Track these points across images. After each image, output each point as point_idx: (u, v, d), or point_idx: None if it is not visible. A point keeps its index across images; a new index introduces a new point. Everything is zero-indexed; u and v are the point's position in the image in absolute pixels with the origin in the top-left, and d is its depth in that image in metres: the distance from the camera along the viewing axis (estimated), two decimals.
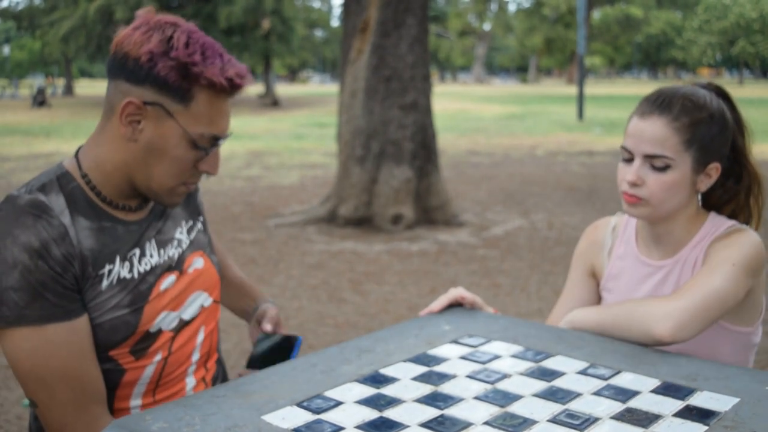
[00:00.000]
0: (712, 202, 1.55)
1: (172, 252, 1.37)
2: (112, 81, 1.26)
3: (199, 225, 1.48)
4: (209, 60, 1.22)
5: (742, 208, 1.55)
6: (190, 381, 1.40)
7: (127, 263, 1.29)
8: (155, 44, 1.20)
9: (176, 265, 1.37)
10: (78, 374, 1.22)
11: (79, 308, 1.24)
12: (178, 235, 1.40)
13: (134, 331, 1.28)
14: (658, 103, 1.45)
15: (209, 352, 1.44)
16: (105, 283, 1.26)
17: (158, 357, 1.33)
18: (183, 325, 1.37)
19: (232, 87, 1.25)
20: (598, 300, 1.67)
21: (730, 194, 1.54)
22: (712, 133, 1.44)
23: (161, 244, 1.36)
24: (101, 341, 1.26)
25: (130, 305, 1.28)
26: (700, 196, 1.51)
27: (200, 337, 1.41)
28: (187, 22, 1.27)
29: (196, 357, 1.40)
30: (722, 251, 1.41)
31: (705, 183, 1.47)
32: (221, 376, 1.53)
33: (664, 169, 1.42)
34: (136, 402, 1.33)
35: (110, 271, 1.27)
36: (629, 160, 1.46)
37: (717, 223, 1.50)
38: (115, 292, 1.27)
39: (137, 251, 1.32)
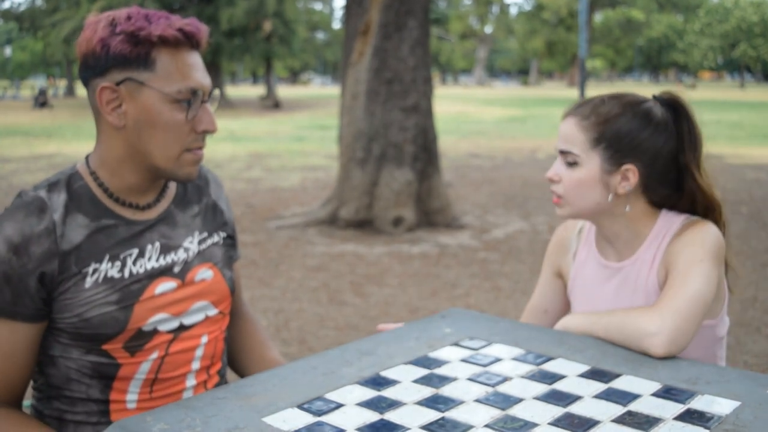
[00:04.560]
0: (670, 206, 1.53)
1: (176, 258, 1.37)
2: (87, 86, 1.30)
3: (217, 239, 1.47)
4: (154, 22, 1.26)
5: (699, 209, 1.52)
6: (191, 383, 1.40)
7: (118, 263, 1.30)
8: (102, 31, 1.25)
9: (178, 273, 1.37)
10: None
11: (31, 315, 1.26)
12: (186, 244, 1.40)
13: (124, 327, 1.29)
14: (576, 105, 1.51)
15: (213, 359, 1.44)
16: (89, 280, 1.28)
17: (154, 355, 1.34)
18: (183, 329, 1.37)
19: (187, 36, 1.27)
20: (564, 301, 1.68)
21: (684, 204, 1.51)
22: (622, 133, 1.44)
23: (165, 249, 1.36)
24: (93, 335, 1.29)
25: (118, 302, 1.29)
26: (614, 198, 1.47)
27: (202, 342, 1.41)
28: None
29: (197, 361, 1.40)
30: (686, 250, 1.41)
31: (623, 186, 1.46)
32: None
33: (573, 165, 1.47)
34: (132, 396, 1.34)
35: (95, 270, 1.28)
36: None
37: (670, 219, 1.50)
38: (101, 290, 1.28)
39: (135, 251, 1.32)
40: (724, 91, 48.16)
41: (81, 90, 42.55)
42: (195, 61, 1.30)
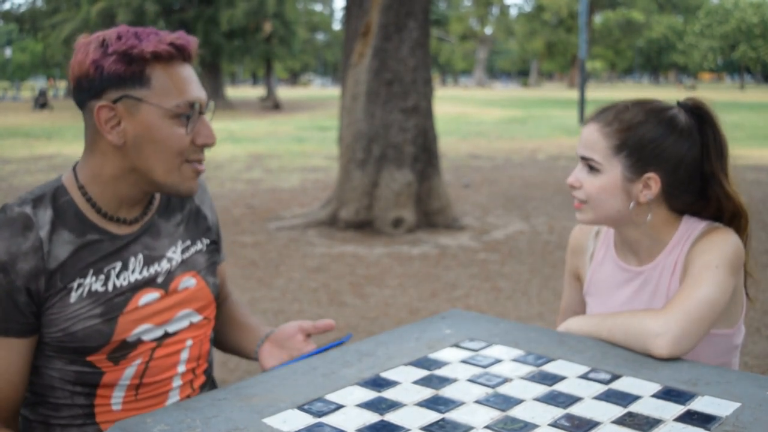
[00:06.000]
0: (694, 212, 1.52)
1: (159, 269, 1.37)
2: (83, 109, 1.30)
3: (200, 246, 1.47)
4: (145, 39, 1.26)
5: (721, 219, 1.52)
6: (177, 384, 1.40)
7: (101, 276, 1.30)
8: (93, 53, 1.25)
9: (162, 284, 1.37)
10: None
11: (23, 330, 1.26)
12: (169, 254, 1.40)
13: (109, 340, 1.30)
14: (598, 111, 1.50)
15: (198, 360, 1.44)
16: (74, 295, 1.28)
17: (138, 361, 1.34)
18: (167, 336, 1.37)
19: (179, 50, 1.27)
20: (584, 302, 1.68)
21: (710, 210, 1.51)
22: (645, 141, 1.43)
23: (148, 261, 1.36)
24: (77, 348, 1.29)
25: (102, 315, 1.29)
26: (635, 206, 1.46)
27: (187, 345, 1.41)
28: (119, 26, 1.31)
29: (182, 365, 1.41)
30: (702, 256, 1.41)
31: (645, 194, 1.45)
32: (210, 386, 1.52)
33: (594, 172, 1.46)
34: (117, 399, 1.35)
35: (80, 285, 1.28)
36: None
37: (691, 225, 1.49)
38: (86, 304, 1.28)
39: (118, 265, 1.32)
40: (724, 92, 48.18)
41: None
42: (189, 74, 1.30)
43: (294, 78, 73.95)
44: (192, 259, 1.43)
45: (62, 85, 46.19)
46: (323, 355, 1.34)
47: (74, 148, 14.26)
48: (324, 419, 1.07)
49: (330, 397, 1.15)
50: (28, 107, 29.59)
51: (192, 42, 1.30)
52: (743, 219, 1.50)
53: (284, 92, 45.56)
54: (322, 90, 58.46)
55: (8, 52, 55.40)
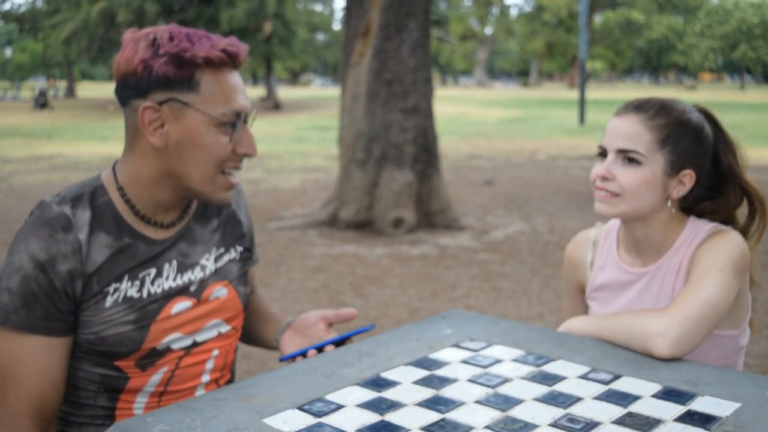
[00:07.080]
0: (699, 212, 1.55)
1: (192, 277, 1.36)
2: (125, 106, 1.28)
3: (234, 254, 1.45)
4: (197, 43, 1.24)
5: (732, 220, 1.56)
6: (199, 394, 1.39)
7: (137, 282, 1.29)
8: (143, 51, 1.23)
9: (194, 292, 1.36)
10: (34, 389, 1.25)
11: (63, 329, 1.25)
12: (203, 261, 1.38)
13: (139, 347, 1.29)
14: (636, 104, 1.50)
15: (222, 370, 1.44)
16: (109, 300, 1.27)
17: (165, 369, 1.34)
18: (195, 345, 1.37)
19: (230, 56, 1.26)
20: (586, 311, 1.68)
21: (717, 207, 1.55)
22: (687, 141, 1.46)
23: (182, 268, 1.35)
24: (107, 353, 1.28)
25: (135, 322, 1.28)
26: (671, 204, 1.49)
27: (213, 355, 1.40)
28: (167, 25, 1.29)
29: (207, 374, 1.40)
30: (707, 257, 1.41)
31: (678, 190, 1.47)
32: None
33: (635, 164, 1.45)
34: (140, 405, 1.34)
35: (116, 290, 1.27)
36: (602, 154, 1.50)
37: (697, 227, 1.50)
38: (120, 309, 1.28)
39: (153, 271, 1.31)
40: (724, 92, 48.16)
41: (81, 91, 42.60)
42: (237, 81, 1.29)
43: (294, 78, 73.93)
44: (225, 268, 1.42)
45: (62, 85, 46.19)
46: (323, 354, 1.34)
47: (74, 148, 14.26)
48: (324, 419, 1.07)
49: (330, 397, 1.15)
50: (28, 107, 29.59)
51: (243, 49, 1.29)
52: (761, 207, 1.53)
53: (284, 92, 45.57)
54: (322, 90, 58.45)
55: (8, 52, 55.41)
